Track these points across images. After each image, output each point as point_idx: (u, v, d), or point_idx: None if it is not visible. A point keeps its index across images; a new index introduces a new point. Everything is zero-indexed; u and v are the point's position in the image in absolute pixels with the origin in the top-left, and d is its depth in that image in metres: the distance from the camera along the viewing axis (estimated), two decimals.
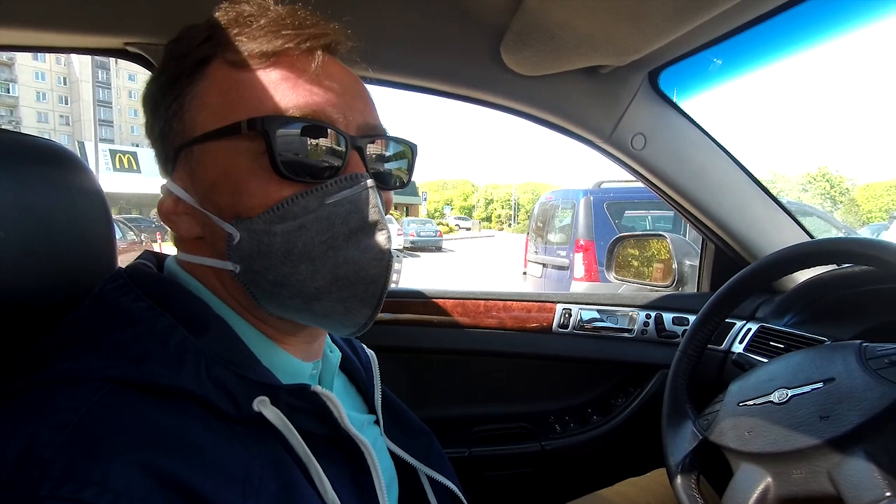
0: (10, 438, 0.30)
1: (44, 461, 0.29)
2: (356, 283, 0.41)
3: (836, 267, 0.92)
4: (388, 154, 0.47)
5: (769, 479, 0.57)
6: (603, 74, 0.94)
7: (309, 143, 0.39)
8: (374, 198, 0.41)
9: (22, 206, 0.45)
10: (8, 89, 53.53)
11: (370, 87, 0.47)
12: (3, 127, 0.51)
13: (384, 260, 0.41)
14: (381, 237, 0.41)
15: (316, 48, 0.42)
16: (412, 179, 0.50)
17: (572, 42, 0.79)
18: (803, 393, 0.61)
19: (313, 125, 0.40)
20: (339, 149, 0.41)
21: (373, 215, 0.41)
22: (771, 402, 0.63)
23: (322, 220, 0.39)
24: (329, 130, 0.40)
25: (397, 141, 0.47)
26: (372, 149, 0.44)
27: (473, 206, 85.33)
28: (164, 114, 0.43)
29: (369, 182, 0.41)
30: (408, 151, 0.48)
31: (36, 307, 0.46)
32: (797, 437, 0.56)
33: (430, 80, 0.94)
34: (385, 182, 0.46)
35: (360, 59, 0.47)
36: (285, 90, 0.40)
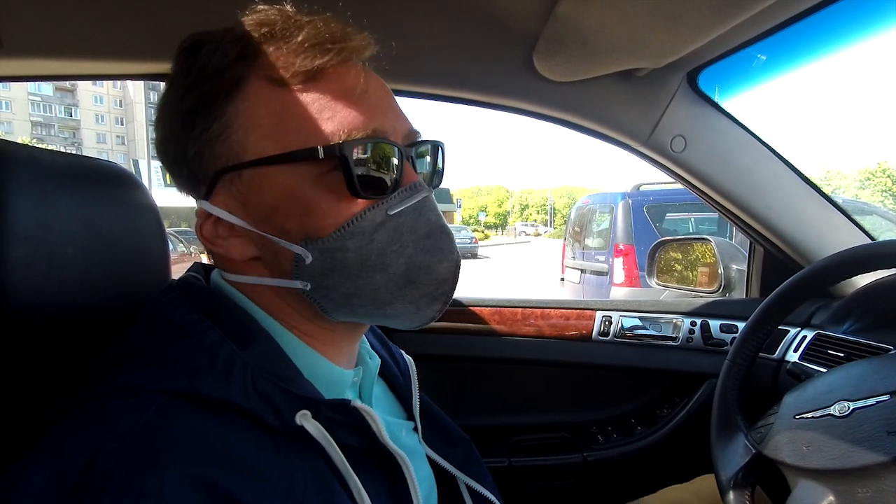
0: (74, 449, 0.31)
1: (106, 471, 0.30)
2: (427, 283, 0.42)
3: None
4: (427, 156, 0.48)
5: (831, 498, 0.53)
6: (639, 77, 0.92)
7: (375, 160, 0.41)
8: (433, 203, 0.44)
9: (87, 225, 0.49)
10: (71, 113, 57.68)
11: (403, 100, 0.47)
12: (67, 149, 0.54)
13: (453, 259, 0.43)
14: (446, 238, 0.43)
15: (357, 61, 0.43)
16: (447, 187, 0.50)
17: (606, 46, 0.77)
18: (867, 406, 0.57)
19: (377, 143, 0.41)
20: (395, 161, 0.42)
21: (436, 219, 0.43)
22: (831, 415, 0.59)
23: (391, 230, 0.41)
24: (388, 146, 0.42)
25: (429, 142, 0.48)
26: (415, 154, 0.46)
27: (508, 212, 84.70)
28: (201, 135, 0.41)
29: (427, 190, 0.43)
30: (437, 150, 0.49)
31: (100, 320, 0.49)
32: (862, 454, 0.53)
33: (462, 91, 0.95)
34: (430, 183, 0.48)
35: (393, 70, 0.47)
36: (342, 109, 0.40)
